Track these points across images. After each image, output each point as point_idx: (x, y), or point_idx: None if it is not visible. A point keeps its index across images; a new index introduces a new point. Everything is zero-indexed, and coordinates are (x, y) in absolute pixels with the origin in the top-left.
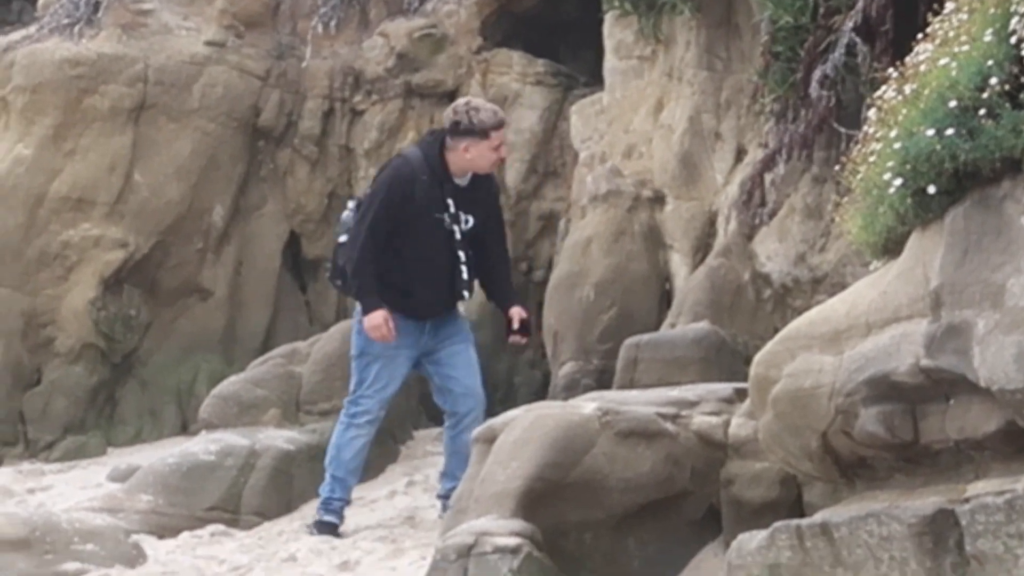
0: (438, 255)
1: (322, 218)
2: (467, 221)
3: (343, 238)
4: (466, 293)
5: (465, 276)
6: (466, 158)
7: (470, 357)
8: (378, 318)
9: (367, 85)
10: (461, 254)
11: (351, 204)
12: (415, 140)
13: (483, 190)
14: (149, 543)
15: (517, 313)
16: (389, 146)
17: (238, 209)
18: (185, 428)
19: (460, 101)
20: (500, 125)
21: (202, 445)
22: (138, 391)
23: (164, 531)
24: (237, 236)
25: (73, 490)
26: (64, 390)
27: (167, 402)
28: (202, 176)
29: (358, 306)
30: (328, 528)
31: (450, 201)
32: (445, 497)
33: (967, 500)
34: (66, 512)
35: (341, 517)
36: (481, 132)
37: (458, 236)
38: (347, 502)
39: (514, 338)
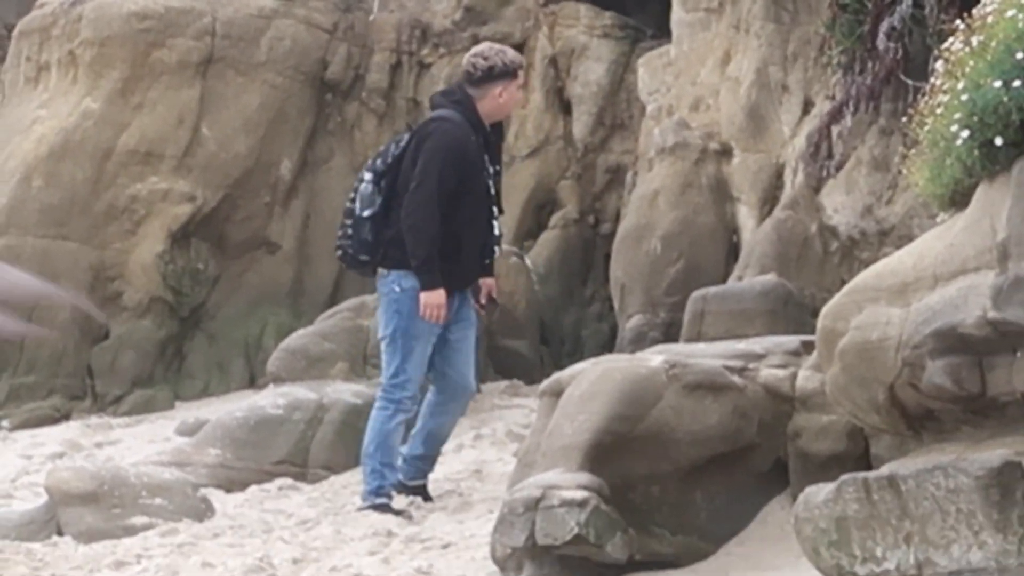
0: (480, 217)
1: None
2: (494, 170)
3: (367, 212)
4: (496, 250)
5: (496, 231)
6: (499, 103)
7: (471, 345)
8: (440, 297)
9: (434, 38)
10: (494, 209)
11: (368, 176)
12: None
13: (498, 135)
14: (217, 497)
15: (487, 285)
16: None
17: (306, 162)
18: (253, 382)
19: (483, 47)
20: (522, 64)
21: (270, 399)
22: (206, 345)
23: (232, 485)
24: (305, 189)
25: (141, 444)
26: (132, 344)
27: (235, 356)
28: (270, 130)
29: (387, 281)
30: (384, 508)
31: (485, 155)
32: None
33: None
34: (134, 466)
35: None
36: (513, 72)
37: (491, 191)
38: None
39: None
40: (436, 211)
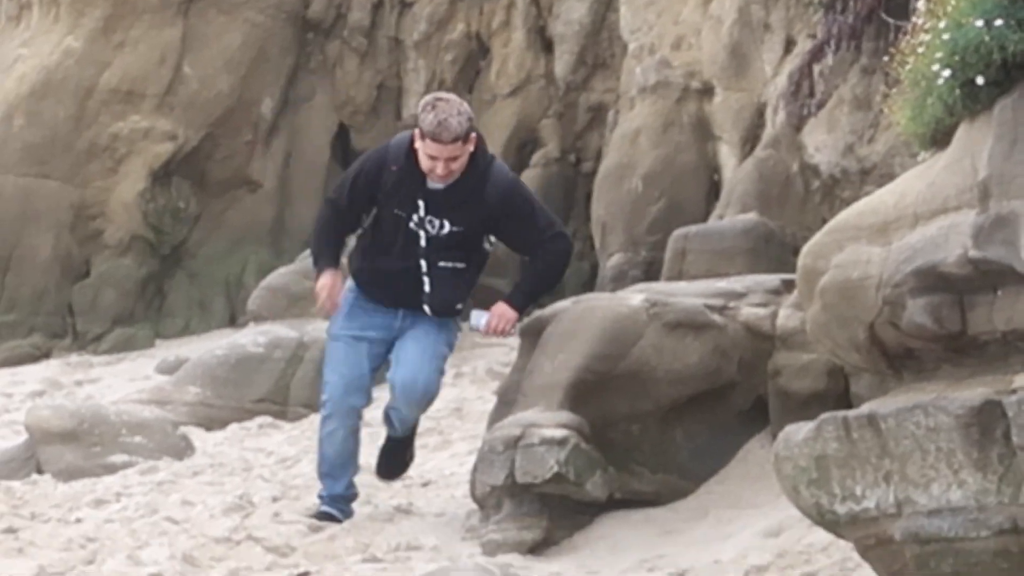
0: (400, 255)
1: (371, 110)
2: (440, 226)
3: None
4: (427, 308)
5: (427, 289)
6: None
7: (422, 347)
8: (322, 279)
9: None
10: (423, 263)
11: None
12: (464, 32)
13: (469, 194)
14: (197, 435)
15: (496, 310)
16: (438, 38)
17: (287, 101)
18: (233, 320)
19: (437, 94)
20: (435, 137)
21: (250, 337)
22: (187, 283)
23: (212, 423)
24: (286, 128)
25: (121, 382)
26: (113, 282)
27: (216, 294)
28: (251, 68)
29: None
30: (326, 517)
31: (421, 203)
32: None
33: (1014, 391)
34: (114, 404)
35: (340, 511)
36: (419, 131)
37: (423, 243)
38: (343, 497)
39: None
40: (331, 217)
